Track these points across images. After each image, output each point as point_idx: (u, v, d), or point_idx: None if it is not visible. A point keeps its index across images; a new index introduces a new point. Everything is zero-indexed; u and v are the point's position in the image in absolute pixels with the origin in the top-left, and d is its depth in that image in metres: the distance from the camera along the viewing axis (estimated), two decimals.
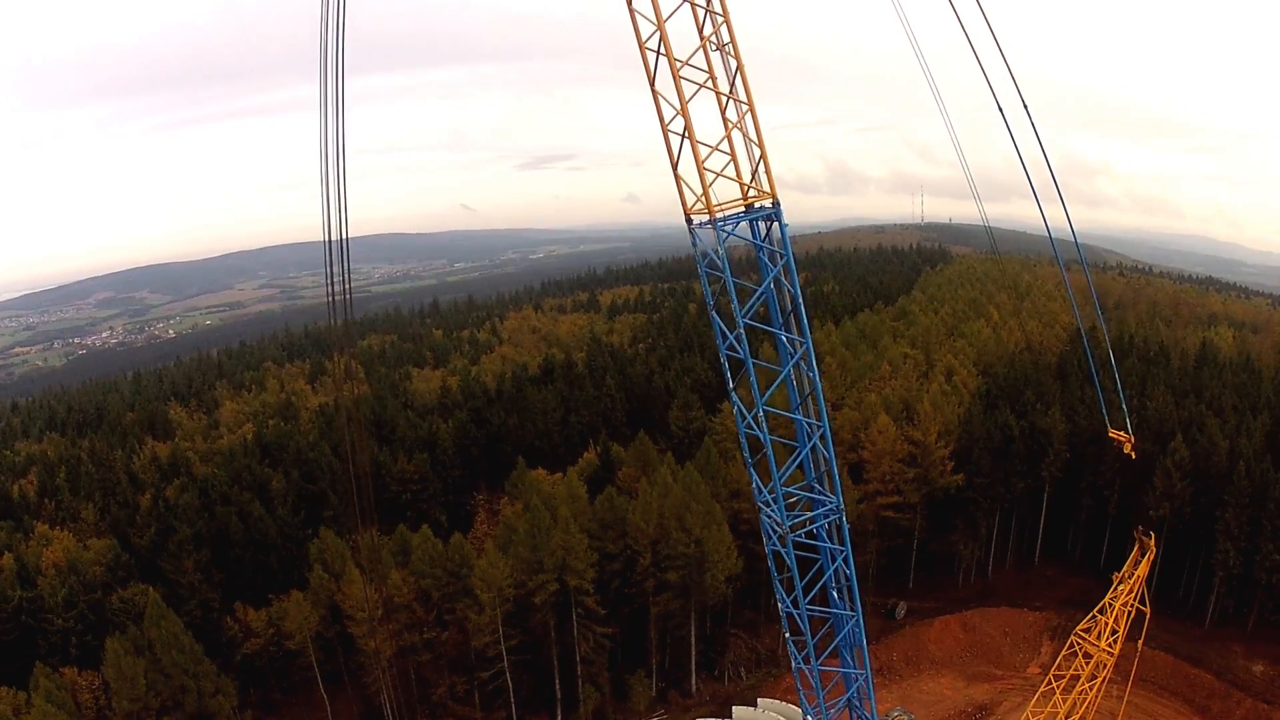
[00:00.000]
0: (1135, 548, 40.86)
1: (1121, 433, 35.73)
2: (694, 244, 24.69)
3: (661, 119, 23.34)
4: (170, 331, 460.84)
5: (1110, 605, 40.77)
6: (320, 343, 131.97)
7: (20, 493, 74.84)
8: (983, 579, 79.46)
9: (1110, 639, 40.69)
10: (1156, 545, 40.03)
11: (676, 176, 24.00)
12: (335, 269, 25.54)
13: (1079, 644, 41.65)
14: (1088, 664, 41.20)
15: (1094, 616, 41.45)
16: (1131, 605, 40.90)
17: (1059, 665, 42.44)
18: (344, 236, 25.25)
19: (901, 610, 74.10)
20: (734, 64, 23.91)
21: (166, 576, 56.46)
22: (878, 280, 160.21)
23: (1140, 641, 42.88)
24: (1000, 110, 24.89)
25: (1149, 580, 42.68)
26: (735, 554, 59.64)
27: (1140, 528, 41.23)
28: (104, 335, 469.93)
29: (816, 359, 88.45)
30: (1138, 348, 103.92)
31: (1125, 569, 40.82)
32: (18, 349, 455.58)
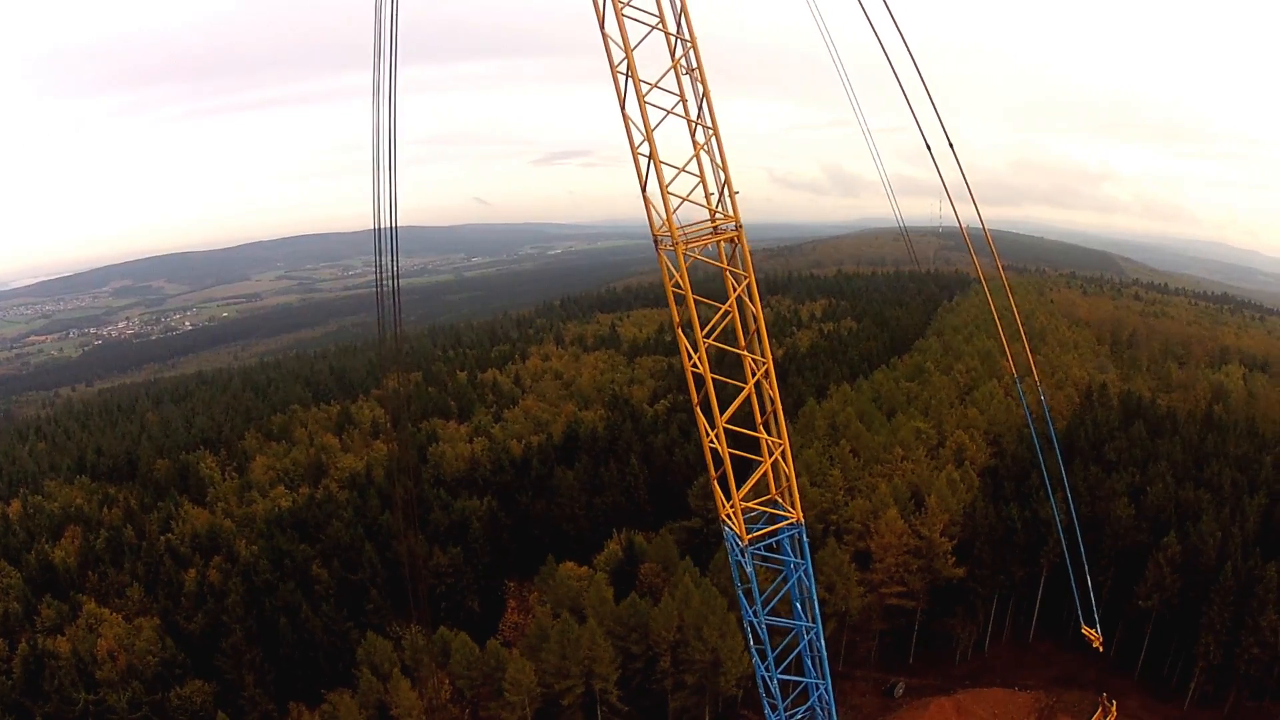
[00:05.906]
0: (1098, 710, 45.01)
1: (1092, 631, 39.39)
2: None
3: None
4: (187, 323, 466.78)
5: None
6: (346, 385, 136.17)
7: (63, 562, 77.82)
8: (980, 654, 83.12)
9: None
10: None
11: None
12: (373, 266, 26.48)
13: None
14: None
15: None
16: None
17: None
18: (394, 241, 25.62)
19: (900, 689, 77.68)
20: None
21: (222, 675, 60.91)
22: (894, 317, 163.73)
23: None
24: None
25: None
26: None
27: (1105, 695, 45.38)
28: (120, 326, 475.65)
29: (834, 429, 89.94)
30: (1145, 411, 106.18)
31: None
32: (33, 337, 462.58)
